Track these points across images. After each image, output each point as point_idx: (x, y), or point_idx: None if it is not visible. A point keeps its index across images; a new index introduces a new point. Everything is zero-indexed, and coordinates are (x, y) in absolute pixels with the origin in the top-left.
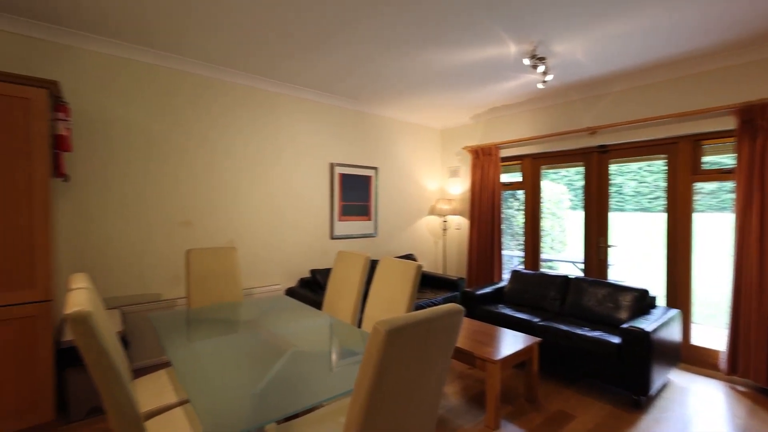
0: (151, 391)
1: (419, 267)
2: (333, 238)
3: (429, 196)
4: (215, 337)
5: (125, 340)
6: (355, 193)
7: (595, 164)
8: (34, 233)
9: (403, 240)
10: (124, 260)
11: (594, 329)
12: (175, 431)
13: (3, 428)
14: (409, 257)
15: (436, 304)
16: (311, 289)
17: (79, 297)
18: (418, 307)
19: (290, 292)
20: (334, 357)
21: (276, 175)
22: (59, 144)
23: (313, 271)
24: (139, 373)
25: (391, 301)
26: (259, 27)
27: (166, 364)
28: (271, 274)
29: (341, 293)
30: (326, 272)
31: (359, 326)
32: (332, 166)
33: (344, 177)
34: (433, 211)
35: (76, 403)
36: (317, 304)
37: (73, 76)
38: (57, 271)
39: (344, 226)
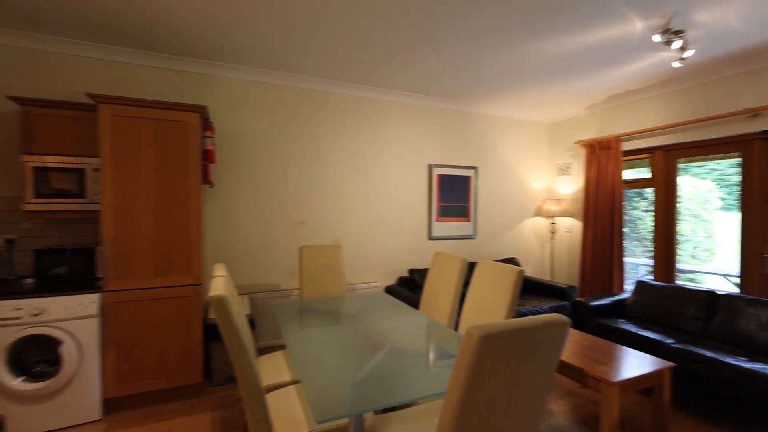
0: (271, 369)
1: (521, 272)
2: (431, 239)
3: (534, 196)
4: (322, 327)
5: (252, 322)
6: (453, 194)
7: (757, 154)
8: (190, 230)
9: (505, 243)
10: (252, 254)
11: (753, 360)
12: (288, 406)
13: (172, 382)
14: (511, 261)
15: (540, 313)
16: (409, 288)
17: (219, 283)
18: (520, 315)
19: (389, 290)
20: (430, 357)
21: (376, 177)
22: (207, 157)
23: (411, 271)
24: (262, 351)
25: (489, 305)
26: (362, 38)
27: (282, 347)
28: (371, 272)
29: (438, 294)
30: (424, 272)
31: (455, 329)
32: (430, 167)
33: (442, 178)
34: (539, 213)
35: (217, 370)
36: (414, 303)
37: (216, 99)
38: (205, 261)
39: (442, 227)
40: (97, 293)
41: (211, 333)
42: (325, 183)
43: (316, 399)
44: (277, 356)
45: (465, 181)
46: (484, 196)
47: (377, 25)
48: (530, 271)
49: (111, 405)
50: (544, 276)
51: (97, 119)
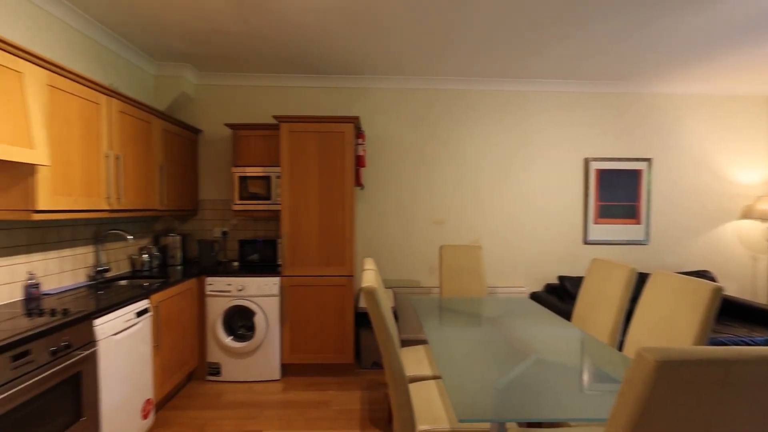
0: (413, 361)
1: (717, 289)
2: (586, 243)
3: (741, 192)
4: (463, 327)
5: (396, 315)
6: (616, 192)
7: None
8: (345, 228)
9: (692, 252)
10: (396, 250)
11: None
12: (429, 399)
13: (328, 359)
14: (701, 275)
15: (748, 344)
16: (558, 296)
17: (370, 276)
18: (716, 344)
19: (535, 297)
20: (585, 376)
21: (520, 175)
22: (359, 162)
23: (562, 278)
24: (403, 343)
25: (669, 327)
26: (501, 29)
27: (422, 341)
28: (515, 276)
29: (595, 307)
30: (577, 280)
31: (619, 349)
32: (586, 161)
33: (602, 173)
34: (749, 214)
35: (365, 355)
36: (565, 314)
37: (366, 109)
38: (355, 256)
39: (601, 230)
40: (277, 277)
41: (361, 320)
42: (465, 182)
43: (458, 398)
44: (419, 350)
45: (633, 175)
46: (660, 193)
47: (524, 4)
48: (733, 291)
49: (286, 369)
50: (757, 298)
51: (279, 136)
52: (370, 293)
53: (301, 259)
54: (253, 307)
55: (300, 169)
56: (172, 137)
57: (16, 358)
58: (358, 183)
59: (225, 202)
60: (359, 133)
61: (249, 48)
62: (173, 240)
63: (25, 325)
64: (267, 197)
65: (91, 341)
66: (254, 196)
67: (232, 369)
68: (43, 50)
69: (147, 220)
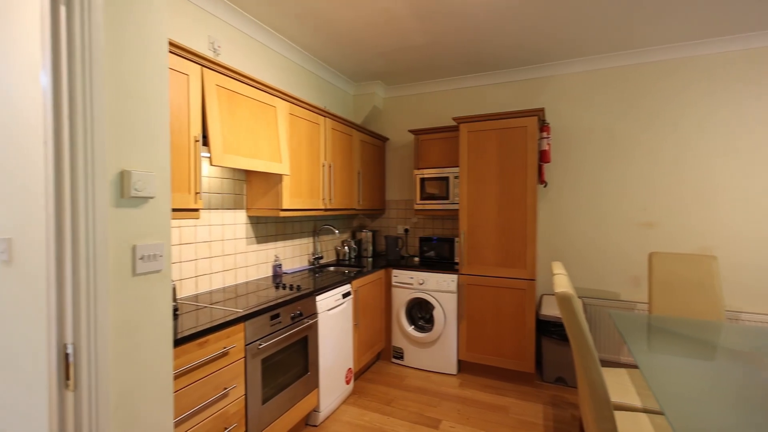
0: (616, 386)
1: None
2: None
3: None
4: (686, 356)
5: None
6: None
7: None
8: (526, 228)
9: None
10: (584, 255)
11: None
12: None
13: (505, 364)
14: None
15: None
16: None
17: (563, 281)
18: None
19: None
20: None
21: None
22: (542, 157)
23: None
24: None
25: None
26: None
27: (620, 364)
28: None
29: None
30: None
31: None
32: None
33: None
34: None
35: (547, 367)
36: None
37: (550, 99)
38: (537, 258)
39: None
40: (455, 274)
41: (543, 328)
42: (683, 175)
43: None
44: (621, 374)
45: None
46: None
47: None
48: None
49: (462, 365)
50: None
51: (458, 137)
52: (566, 300)
53: (479, 259)
54: (432, 300)
55: (479, 168)
56: (367, 146)
57: (272, 318)
58: (541, 180)
59: (407, 202)
60: (543, 126)
61: (430, 57)
62: (366, 235)
63: (276, 295)
64: (445, 197)
65: (314, 313)
66: (433, 197)
67: (413, 355)
68: (284, 86)
69: (347, 218)
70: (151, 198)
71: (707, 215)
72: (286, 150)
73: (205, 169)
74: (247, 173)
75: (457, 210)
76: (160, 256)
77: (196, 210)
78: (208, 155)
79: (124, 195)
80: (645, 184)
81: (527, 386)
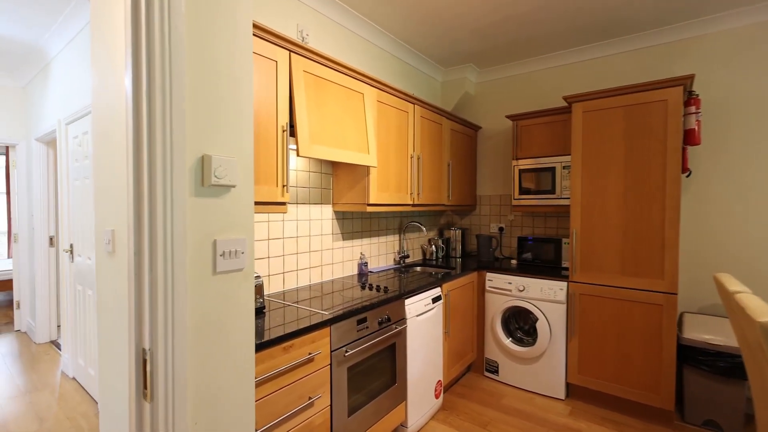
0: None
1: None
2: None
3: None
4: None
5: None
6: None
7: None
8: (665, 228)
9: None
10: (746, 263)
11: None
12: None
13: (631, 395)
14: None
15: None
16: None
17: (759, 303)
18: None
19: None
20: None
21: None
22: (687, 139)
23: None
24: None
25: None
26: None
27: None
28: None
29: None
30: None
31: None
32: None
33: None
34: None
35: (692, 405)
36: None
37: (691, 67)
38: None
39: None
40: (564, 281)
41: (685, 355)
42: None
43: None
44: None
45: None
46: None
47: None
48: None
49: (572, 390)
50: None
51: (569, 120)
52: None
53: (596, 264)
54: (534, 310)
55: (597, 155)
56: (457, 136)
57: (359, 322)
58: (684, 168)
59: (501, 197)
60: (690, 99)
61: (533, 28)
62: (455, 234)
63: (362, 296)
64: (550, 191)
65: (402, 318)
66: (535, 191)
67: (510, 371)
68: (371, 73)
69: (434, 214)
70: (233, 187)
71: None
72: (374, 140)
73: (293, 162)
74: (334, 166)
75: (565, 206)
76: (243, 252)
77: (284, 204)
78: (295, 147)
79: (204, 183)
80: None
81: (663, 426)
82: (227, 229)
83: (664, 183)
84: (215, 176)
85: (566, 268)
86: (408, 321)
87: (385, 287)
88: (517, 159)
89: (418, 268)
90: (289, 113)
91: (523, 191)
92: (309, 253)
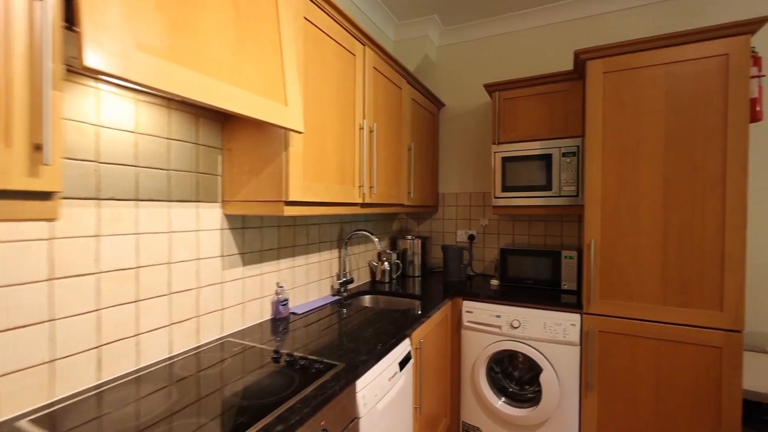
0: None
1: None
2: None
3: None
4: None
5: None
6: None
7: None
8: (725, 236)
9: None
10: None
11: None
12: None
13: None
14: None
15: None
16: None
17: None
18: None
19: None
20: None
21: None
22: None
23: None
24: None
25: None
26: None
27: None
28: None
29: None
30: None
31: None
32: None
33: None
34: None
35: None
36: None
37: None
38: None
39: None
40: (577, 313)
41: (747, 414)
42: None
43: None
44: None
45: None
46: None
47: None
48: None
49: None
50: None
51: (572, 89)
52: None
53: (623, 289)
54: (537, 357)
55: (624, 135)
56: (419, 111)
57: None
58: None
59: (472, 196)
60: (753, 57)
61: None
62: (413, 244)
63: (268, 389)
64: (545, 186)
65: (352, 419)
66: (524, 187)
67: None
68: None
69: (384, 218)
70: None
71: None
72: (297, 85)
73: (107, 104)
74: (225, 131)
75: (565, 206)
76: None
77: (36, 197)
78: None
79: None
80: None
81: None
82: None
83: (723, 174)
84: None
85: (570, 291)
86: (361, 420)
87: (317, 364)
88: (498, 143)
89: (368, 299)
90: None
91: (508, 188)
92: (169, 296)
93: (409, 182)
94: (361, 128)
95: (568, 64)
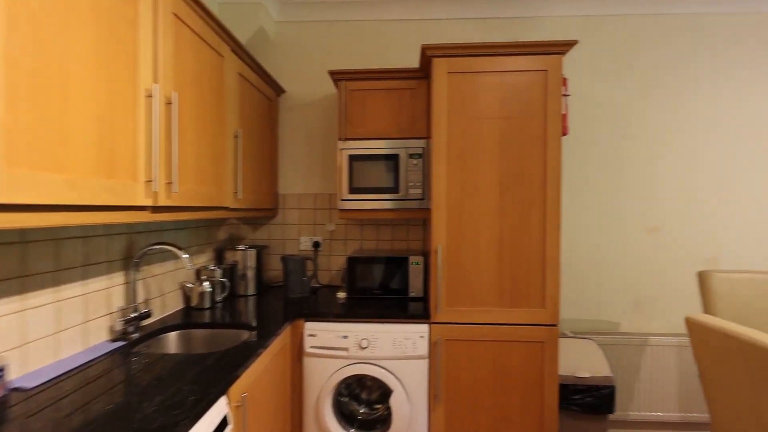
0: None
1: None
2: None
3: None
4: None
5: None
6: None
7: None
8: (545, 241)
9: None
10: (573, 274)
11: None
12: None
13: None
14: None
15: None
16: None
17: None
18: None
19: None
20: None
21: None
22: None
23: None
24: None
25: None
26: None
27: (662, 425)
28: None
29: None
30: None
31: None
32: None
33: None
34: None
35: None
36: None
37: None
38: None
39: None
40: (424, 324)
41: (561, 397)
42: (703, 167)
43: None
44: None
45: None
46: None
47: None
48: None
49: None
50: None
51: (418, 88)
52: None
53: (467, 294)
54: (387, 377)
55: (467, 138)
56: (252, 93)
57: None
58: None
59: (317, 198)
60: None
61: None
62: (245, 256)
63: None
64: (392, 188)
65: None
66: (372, 189)
67: None
68: None
69: (207, 225)
70: None
71: (712, 219)
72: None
73: None
74: None
75: (414, 210)
76: None
77: None
78: None
79: None
80: (654, 177)
81: None
82: None
83: (545, 181)
84: None
85: (418, 299)
86: None
87: None
88: (346, 139)
89: (174, 339)
90: None
91: (356, 189)
92: None
93: (236, 179)
94: (150, 95)
95: (414, 63)
